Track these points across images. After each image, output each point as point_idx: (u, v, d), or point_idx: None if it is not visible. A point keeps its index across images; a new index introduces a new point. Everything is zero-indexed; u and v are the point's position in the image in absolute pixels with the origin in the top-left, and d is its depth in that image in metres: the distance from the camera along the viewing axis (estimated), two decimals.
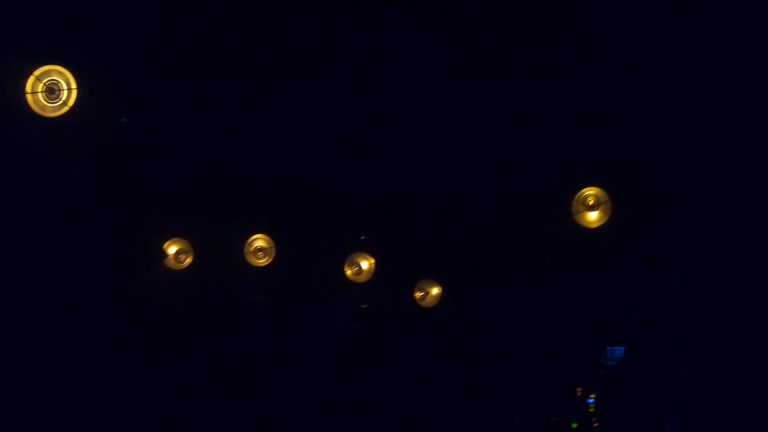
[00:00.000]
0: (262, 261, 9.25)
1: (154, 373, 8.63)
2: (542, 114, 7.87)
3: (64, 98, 6.67)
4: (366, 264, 9.56)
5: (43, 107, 6.68)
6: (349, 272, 9.54)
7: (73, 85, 6.66)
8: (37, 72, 6.57)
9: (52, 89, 6.66)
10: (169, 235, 8.93)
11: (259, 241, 9.29)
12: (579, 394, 8.47)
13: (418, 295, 9.62)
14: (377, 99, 8.07)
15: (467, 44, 7.34)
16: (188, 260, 9.00)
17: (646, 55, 7.05)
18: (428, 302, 9.53)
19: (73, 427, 7.76)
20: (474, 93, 7.82)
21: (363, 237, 9.70)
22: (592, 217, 7.74)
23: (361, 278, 9.53)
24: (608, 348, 8.64)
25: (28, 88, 6.57)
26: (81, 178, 7.98)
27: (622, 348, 8.41)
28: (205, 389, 8.85)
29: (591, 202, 7.76)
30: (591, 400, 8.42)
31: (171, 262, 8.93)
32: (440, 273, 9.33)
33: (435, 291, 9.57)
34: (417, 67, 7.62)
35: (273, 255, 9.23)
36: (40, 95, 6.66)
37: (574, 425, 8.35)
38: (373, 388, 9.20)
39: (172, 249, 9.01)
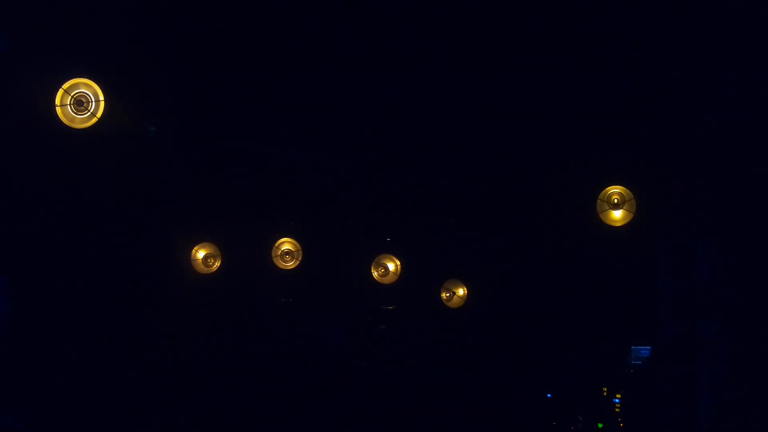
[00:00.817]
0: (290, 264, 9.35)
1: (183, 378, 8.76)
2: (565, 112, 7.84)
3: (92, 110, 6.83)
4: (392, 265, 9.62)
5: (72, 119, 6.85)
6: (375, 274, 9.61)
7: (101, 97, 6.83)
8: (66, 85, 6.74)
9: (81, 101, 6.83)
10: (198, 240, 9.07)
11: (286, 244, 9.39)
12: (605, 393, 8.43)
13: (445, 296, 9.66)
14: (401, 98, 8.09)
15: (489, 40, 7.33)
16: (217, 264, 9.13)
17: (669, 48, 7.00)
18: (454, 303, 9.57)
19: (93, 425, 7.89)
20: (498, 90, 7.81)
21: (389, 239, 9.75)
22: (617, 215, 7.73)
23: (388, 280, 9.60)
24: (634, 347, 8.59)
25: (57, 101, 6.75)
26: (111, 186, 8.14)
27: (648, 347, 8.37)
28: (234, 393, 8.97)
29: (616, 201, 7.76)
30: (617, 400, 8.38)
31: (200, 267, 9.08)
32: (466, 273, 9.34)
33: (461, 291, 9.60)
34: (439, 64, 7.62)
35: (300, 258, 9.32)
36: (68, 107, 6.83)
37: (600, 425, 8.32)
38: (399, 390, 9.25)
39: (200, 254, 9.15)
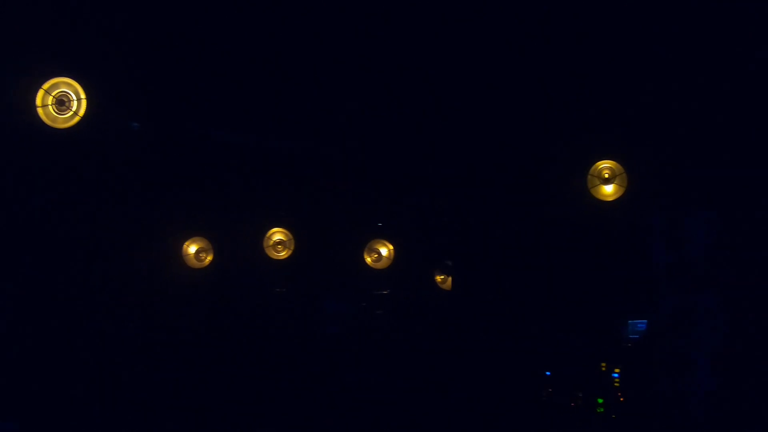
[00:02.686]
0: (282, 254, 9.32)
1: (179, 373, 8.75)
2: (552, 88, 7.80)
3: (74, 108, 6.74)
4: (385, 250, 9.59)
5: (54, 119, 6.76)
6: (368, 259, 9.59)
7: (82, 95, 6.74)
8: (46, 85, 6.65)
9: (62, 101, 6.74)
10: (189, 235, 9.02)
11: (278, 234, 9.35)
12: (603, 369, 8.44)
13: (439, 278, 9.66)
14: (388, 82, 8.02)
15: (478, 23, 7.26)
16: (209, 258, 9.09)
17: (658, 25, 6.96)
18: (449, 285, 9.57)
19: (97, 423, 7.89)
20: (484, 68, 7.74)
21: (380, 224, 9.72)
22: (609, 190, 7.71)
23: (381, 265, 9.58)
24: (631, 321, 8.60)
25: (39, 101, 6.65)
26: (97, 184, 8.06)
27: (645, 321, 8.38)
28: (230, 386, 8.97)
29: (606, 175, 7.73)
30: (616, 375, 8.39)
31: (192, 261, 9.04)
32: (458, 254, 9.33)
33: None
34: (426, 47, 7.54)
35: (292, 247, 9.29)
36: (50, 108, 6.74)
37: (600, 400, 8.34)
38: (398, 373, 9.27)
39: (192, 248, 9.11)
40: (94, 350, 8.28)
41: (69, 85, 6.78)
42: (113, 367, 8.41)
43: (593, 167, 7.76)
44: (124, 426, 8.10)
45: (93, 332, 8.30)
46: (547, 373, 8.65)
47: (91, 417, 7.86)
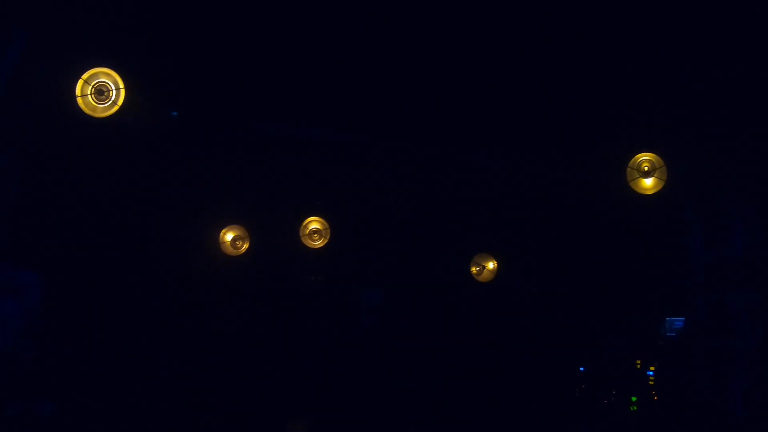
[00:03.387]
0: (318, 243, 9.34)
1: (215, 359, 8.85)
2: (591, 78, 7.66)
3: (113, 98, 6.83)
4: None
5: (94, 108, 6.86)
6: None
7: (121, 85, 6.81)
8: (85, 75, 6.74)
9: (101, 90, 6.83)
10: (225, 223, 9.09)
11: (314, 223, 9.37)
12: (638, 366, 8.31)
13: (475, 270, 9.57)
14: (427, 69, 7.95)
15: (529, 22, 7.15)
16: (245, 246, 9.15)
17: (698, 15, 6.78)
18: (485, 277, 9.48)
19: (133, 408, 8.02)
20: (525, 58, 7.64)
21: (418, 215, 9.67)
22: (648, 183, 7.55)
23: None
24: (668, 318, 8.44)
25: (78, 91, 6.75)
26: (136, 173, 8.18)
27: (682, 318, 8.22)
28: (265, 373, 9.05)
29: (646, 168, 7.57)
30: (651, 373, 8.26)
31: (228, 249, 9.11)
32: (495, 246, 9.25)
33: (491, 265, 9.51)
34: (462, 32, 7.45)
35: (328, 237, 9.30)
36: (89, 97, 6.84)
37: (634, 398, 8.23)
38: (432, 366, 9.26)
39: (229, 236, 9.18)
40: (133, 335, 8.43)
41: (108, 75, 6.85)
42: (151, 352, 8.55)
43: (632, 160, 7.60)
44: (158, 411, 8.24)
45: (131, 318, 8.44)
46: (581, 369, 8.56)
47: (127, 401, 8.01)
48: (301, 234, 9.35)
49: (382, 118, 8.45)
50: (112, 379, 7.99)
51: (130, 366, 8.31)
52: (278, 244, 9.26)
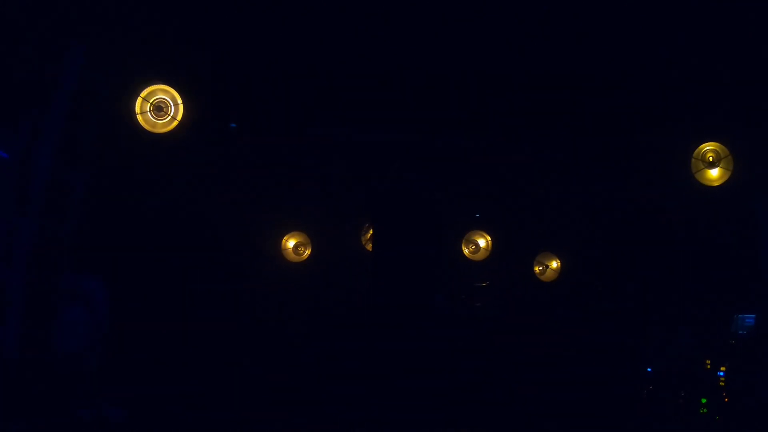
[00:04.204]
0: None
1: (281, 367, 8.96)
2: (653, 67, 7.43)
3: (171, 113, 7.03)
4: (483, 242, 9.47)
5: (153, 125, 7.07)
6: (466, 251, 9.50)
7: (179, 100, 7.01)
8: (143, 93, 6.96)
9: (160, 107, 7.04)
10: (287, 230, 9.23)
11: None
12: (708, 366, 7.99)
13: (538, 269, 9.44)
14: (486, 68, 7.86)
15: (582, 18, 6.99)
16: (307, 252, 9.27)
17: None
18: (548, 276, 9.34)
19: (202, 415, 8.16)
20: (586, 47, 7.47)
21: (478, 215, 9.61)
22: (714, 174, 7.30)
23: (479, 256, 9.47)
24: (738, 316, 8.10)
25: (137, 109, 6.98)
26: (197, 183, 8.38)
27: (754, 315, 7.87)
28: (333, 381, 9.09)
29: (711, 159, 7.32)
30: (721, 373, 7.93)
31: (291, 256, 9.25)
32: (558, 245, 9.10)
33: (554, 264, 9.36)
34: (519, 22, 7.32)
35: None
36: (149, 114, 7.05)
37: (704, 400, 7.91)
38: (494, 366, 9.14)
39: (290, 243, 9.32)
40: (200, 343, 8.62)
41: (165, 91, 7.05)
42: (218, 359, 8.72)
43: (697, 150, 7.35)
44: (228, 419, 8.40)
45: (197, 327, 8.63)
46: (649, 369, 8.30)
47: (196, 408, 8.18)
48: (363, 239, 9.42)
49: (438, 117, 8.39)
50: (182, 385, 8.18)
51: (199, 374, 8.49)
52: (340, 250, 9.33)
